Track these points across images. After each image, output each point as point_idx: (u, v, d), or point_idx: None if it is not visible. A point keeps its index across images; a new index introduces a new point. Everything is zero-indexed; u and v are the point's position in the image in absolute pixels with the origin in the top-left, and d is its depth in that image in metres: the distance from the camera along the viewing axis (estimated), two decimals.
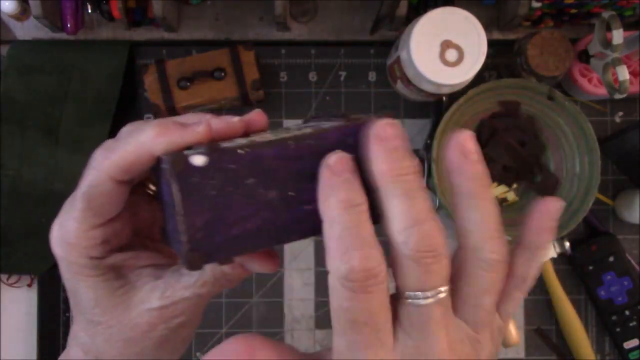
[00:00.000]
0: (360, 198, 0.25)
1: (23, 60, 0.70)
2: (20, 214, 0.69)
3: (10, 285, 0.72)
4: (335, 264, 0.24)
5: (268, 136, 0.28)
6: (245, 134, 0.30)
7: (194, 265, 0.26)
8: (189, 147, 0.28)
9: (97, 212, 0.29)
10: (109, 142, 0.29)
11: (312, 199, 0.27)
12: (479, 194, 0.26)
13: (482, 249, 0.26)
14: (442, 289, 0.25)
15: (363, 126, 0.27)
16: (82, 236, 0.29)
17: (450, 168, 0.26)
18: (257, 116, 0.31)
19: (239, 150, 0.26)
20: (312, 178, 0.27)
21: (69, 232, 0.29)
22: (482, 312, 0.27)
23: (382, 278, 0.24)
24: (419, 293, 0.25)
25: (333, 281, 0.24)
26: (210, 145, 0.26)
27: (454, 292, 0.26)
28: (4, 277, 0.72)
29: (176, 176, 0.25)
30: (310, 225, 0.27)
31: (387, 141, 0.25)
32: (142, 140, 0.28)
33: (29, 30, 0.72)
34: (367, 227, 0.25)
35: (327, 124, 0.28)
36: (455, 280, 0.26)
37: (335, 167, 0.25)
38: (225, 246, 0.26)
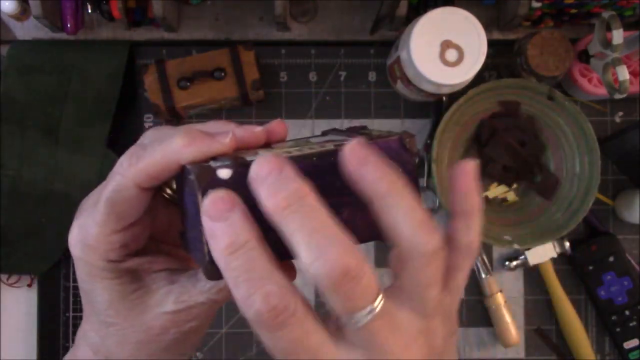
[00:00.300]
0: (246, 235, 0.24)
1: (23, 60, 0.70)
2: (20, 214, 0.69)
3: (10, 285, 0.72)
4: (244, 310, 0.24)
5: (290, 149, 0.29)
6: (267, 143, 0.31)
7: (214, 275, 0.26)
8: (214, 158, 0.29)
9: (120, 217, 0.29)
10: (135, 149, 0.30)
11: (335, 212, 0.27)
12: (391, 191, 0.25)
13: (415, 243, 0.25)
14: (375, 303, 0.24)
15: (384, 144, 0.27)
16: (102, 240, 0.30)
17: (356, 181, 0.26)
18: (278, 126, 0.31)
19: None
20: (330, 193, 0.27)
21: (90, 235, 0.30)
22: (430, 302, 0.26)
23: (294, 308, 0.24)
24: (353, 315, 0.24)
25: (252, 325, 0.24)
26: (236, 159, 0.27)
27: (398, 288, 0.26)
28: (4, 277, 0.72)
29: (202, 188, 0.26)
30: None
31: (265, 178, 0.24)
32: (170, 150, 0.28)
33: (29, 30, 0.72)
34: (262, 263, 0.24)
35: (342, 137, 0.29)
36: (398, 277, 0.26)
37: (210, 211, 0.24)
38: None
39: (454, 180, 0.28)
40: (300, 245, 0.24)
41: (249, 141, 0.30)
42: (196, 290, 0.30)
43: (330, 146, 0.28)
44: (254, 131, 0.30)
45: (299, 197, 0.24)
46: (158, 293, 0.31)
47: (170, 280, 0.31)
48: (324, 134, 0.33)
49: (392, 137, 0.29)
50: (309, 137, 0.33)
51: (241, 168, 0.26)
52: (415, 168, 0.29)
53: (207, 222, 0.24)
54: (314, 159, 0.27)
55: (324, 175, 0.27)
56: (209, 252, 0.26)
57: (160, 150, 0.28)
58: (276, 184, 0.24)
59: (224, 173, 0.26)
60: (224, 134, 0.29)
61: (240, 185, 0.26)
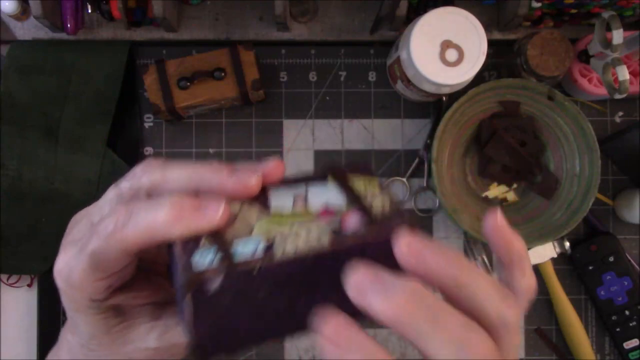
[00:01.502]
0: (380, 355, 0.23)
1: (23, 60, 0.70)
2: (20, 214, 0.69)
3: (10, 285, 0.72)
4: None
5: (282, 227, 0.28)
6: (263, 187, 0.30)
7: (199, 357, 0.27)
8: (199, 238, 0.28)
9: (103, 270, 0.29)
10: (120, 210, 0.28)
11: (320, 304, 0.27)
12: (465, 278, 0.25)
13: (505, 319, 0.25)
14: None
15: (384, 239, 0.27)
16: (86, 284, 0.29)
17: (422, 275, 0.25)
18: (275, 169, 0.30)
19: (254, 269, 0.26)
20: (322, 287, 0.27)
21: (74, 277, 0.29)
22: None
23: None
24: None
25: None
26: (226, 260, 0.26)
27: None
28: (4, 277, 0.72)
29: (189, 293, 0.26)
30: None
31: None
32: (155, 224, 0.27)
33: (29, 30, 0.72)
34: None
35: (349, 232, 0.28)
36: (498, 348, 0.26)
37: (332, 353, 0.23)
38: (230, 345, 0.28)
39: (490, 237, 0.28)
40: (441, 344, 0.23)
41: (242, 196, 0.29)
42: (179, 330, 0.30)
43: (325, 241, 0.27)
44: (249, 186, 0.29)
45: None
46: (141, 328, 0.31)
47: (154, 315, 0.31)
48: (326, 169, 0.32)
49: (393, 229, 0.28)
50: (307, 181, 0.32)
51: (232, 277, 0.26)
52: None
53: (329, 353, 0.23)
54: (309, 260, 0.27)
55: (316, 273, 0.27)
56: (193, 341, 0.26)
57: (146, 222, 0.27)
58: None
59: (213, 283, 0.26)
60: (215, 208, 0.27)
61: (228, 292, 0.26)
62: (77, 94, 0.70)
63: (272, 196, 0.30)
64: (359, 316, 0.28)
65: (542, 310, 0.73)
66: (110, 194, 0.30)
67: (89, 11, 0.71)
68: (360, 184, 0.31)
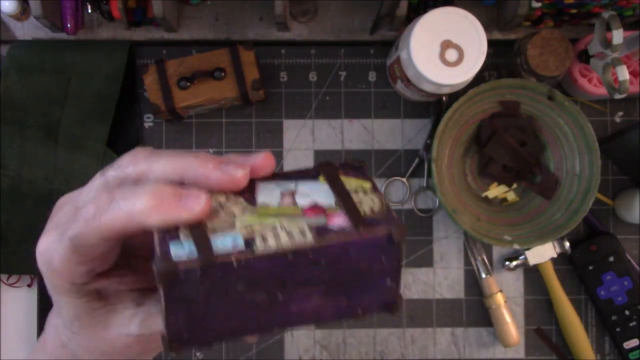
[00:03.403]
0: None
1: (23, 60, 0.70)
2: (20, 214, 0.69)
3: (10, 285, 0.72)
4: None
5: (267, 219, 0.27)
6: (250, 181, 0.29)
7: (172, 350, 0.27)
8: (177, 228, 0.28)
9: (83, 255, 0.29)
10: (102, 196, 0.28)
11: (301, 301, 0.27)
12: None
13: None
14: None
15: (371, 239, 0.26)
16: (66, 269, 0.29)
17: None
18: (264, 162, 0.30)
19: (233, 264, 0.26)
20: (303, 284, 0.27)
21: (54, 262, 0.29)
22: None
23: None
24: None
25: None
26: (203, 253, 0.26)
27: None
28: (4, 277, 0.72)
29: (164, 283, 0.25)
30: (295, 320, 0.28)
31: None
32: (134, 212, 0.27)
33: (29, 30, 0.72)
34: None
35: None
36: None
37: None
38: (206, 337, 0.27)
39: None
40: None
41: (228, 189, 0.29)
42: (161, 317, 0.30)
43: (308, 236, 0.27)
44: (235, 179, 0.28)
45: None
46: (123, 314, 0.31)
47: (137, 302, 0.31)
48: (318, 167, 0.31)
49: (381, 232, 0.27)
50: (298, 177, 0.31)
51: (209, 268, 0.25)
52: (401, 258, 0.28)
53: None
54: (289, 256, 0.26)
55: (297, 269, 0.27)
56: (168, 333, 0.26)
57: (126, 210, 0.27)
58: None
59: (190, 273, 0.25)
60: (196, 199, 0.27)
61: (206, 282, 0.26)
62: (77, 94, 0.69)
63: (260, 191, 0.30)
64: (344, 315, 0.28)
65: (542, 310, 0.73)
66: (97, 181, 0.30)
67: (89, 11, 0.71)
68: (352, 184, 0.30)
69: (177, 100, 0.67)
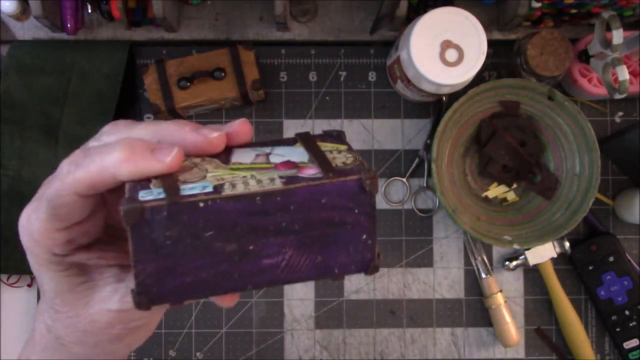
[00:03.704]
0: None
1: (23, 60, 0.70)
2: (20, 214, 0.69)
3: (10, 285, 0.72)
4: None
5: (240, 172, 0.27)
6: (227, 146, 0.30)
7: (141, 306, 0.26)
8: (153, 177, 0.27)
9: (61, 218, 0.29)
10: (77, 154, 0.29)
11: (273, 253, 0.26)
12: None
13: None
14: None
15: (340, 184, 0.26)
16: (45, 236, 0.29)
17: None
18: (240, 128, 0.30)
19: (200, 204, 0.25)
20: (274, 233, 0.26)
21: (34, 229, 0.30)
22: None
23: None
24: None
25: None
26: (171, 195, 0.25)
27: None
28: (4, 277, 0.72)
29: (130, 226, 0.25)
30: (268, 277, 0.27)
31: None
32: (107, 164, 0.27)
33: (29, 30, 0.72)
34: None
35: (306, 174, 0.27)
36: None
37: None
38: (177, 292, 0.26)
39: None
40: None
41: (204, 150, 0.29)
42: None
43: (278, 183, 0.26)
44: (210, 139, 0.29)
45: None
46: (104, 290, 0.30)
47: (118, 278, 0.31)
48: (297, 135, 0.31)
49: (351, 177, 0.27)
50: (275, 144, 0.31)
51: (175, 207, 0.25)
52: (374, 209, 0.27)
53: None
54: (257, 199, 0.26)
55: (267, 215, 0.26)
56: (137, 284, 0.26)
57: (98, 162, 0.27)
58: None
59: (156, 213, 0.25)
60: (168, 151, 0.27)
61: (173, 225, 0.25)
62: (77, 93, 0.70)
63: (235, 154, 0.30)
64: (320, 274, 0.28)
65: (542, 310, 0.73)
66: (77, 151, 0.30)
67: (89, 11, 0.71)
68: (328, 147, 0.30)
69: (177, 100, 0.67)
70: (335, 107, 0.73)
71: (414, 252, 0.73)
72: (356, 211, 0.27)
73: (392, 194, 0.73)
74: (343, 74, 0.74)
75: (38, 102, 0.69)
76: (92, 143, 0.30)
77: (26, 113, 0.69)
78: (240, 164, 0.28)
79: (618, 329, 0.71)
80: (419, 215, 0.73)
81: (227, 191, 0.26)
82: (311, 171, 0.27)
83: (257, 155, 0.29)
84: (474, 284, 0.73)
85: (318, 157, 0.28)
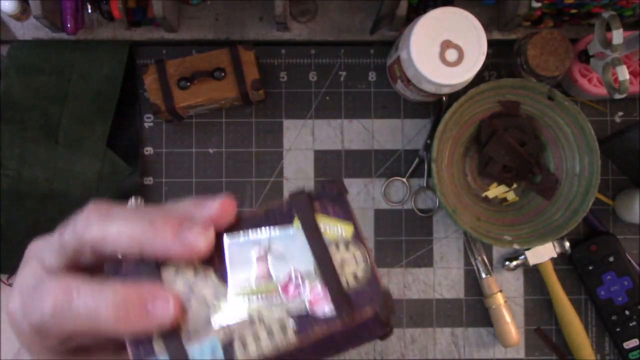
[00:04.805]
0: None
1: (23, 60, 0.70)
2: (20, 214, 0.69)
3: (11, 285, 0.72)
4: None
5: (238, 295, 0.26)
6: (217, 234, 0.27)
7: None
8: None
9: (53, 339, 0.27)
10: (60, 293, 0.26)
11: None
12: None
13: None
14: None
15: (357, 325, 0.25)
16: (35, 340, 0.28)
17: None
18: (222, 210, 0.27)
19: None
20: None
21: (22, 330, 0.28)
22: None
23: None
24: None
25: None
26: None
27: None
28: (4, 277, 0.72)
29: None
30: None
31: None
32: (99, 320, 0.25)
33: (29, 30, 0.72)
34: None
35: (317, 327, 0.25)
36: None
37: None
38: None
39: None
40: None
41: (191, 259, 0.26)
42: None
43: (290, 333, 0.25)
44: (197, 249, 0.26)
45: None
46: None
47: (116, 353, 0.30)
48: (291, 202, 0.28)
49: (367, 314, 0.25)
50: (269, 222, 0.28)
51: None
52: (389, 322, 0.26)
53: None
54: None
55: None
56: None
57: (88, 316, 0.25)
58: None
59: None
60: (165, 303, 0.25)
61: None
62: (77, 94, 0.70)
63: (229, 255, 0.27)
64: None
65: (542, 310, 0.73)
66: (55, 240, 0.28)
67: (89, 11, 0.71)
68: (331, 228, 0.27)
69: (177, 100, 0.67)
70: (335, 107, 0.73)
71: (414, 252, 0.73)
72: (370, 333, 0.27)
73: (392, 194, 0.73)
74: (343, 74, 0.74)
75: (38, 102, 0.69)
76: (69, 235, 0.28)
77: (26, 113, 0.69)
78: (241, 287, 0.26)
79: (618, 329, 0.71)
80: (419, 215, 0.73)
81: (239, 353, 0.25)
82: (322, 304, 0.26)
83: (257, 260, 0.27)
84: (474, 284, 0.73)
85: (324, 267, 0.26)
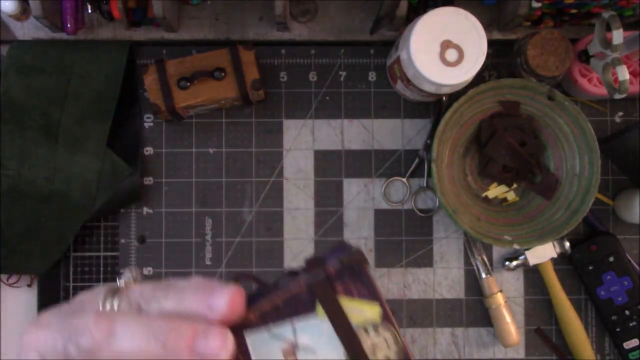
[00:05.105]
0: None
1: (23, 60, 0.70)
2: (20, 214, 0.69)
3: (10, 285, 0.72)
4: None
5: None
6: (233, 330, 0.26)
7: None
8: None
9: None
10: None
11: None
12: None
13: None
14: None
15: None
16: None
17: None
18: (232, 308, 0.25)
19: None
20: None
21: None
22: None
23: None
24: None
25: None
26: None
27: None
28: (4, 277, 0.72)
29: None
30: None
31: None
32: None
33: (29, 30, 0.72)
34: None
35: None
36: None
37: None
38: None
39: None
40: None
41: None
42: None
43: None
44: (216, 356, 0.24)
45: None
46: None
47: None
48: (311, 284, 0.26)
49: None
50: (291, 311, 0.26)
51: None
52: None
53: None
54: None
55: None
56: None
57: None
58: None
59: None
60: None
61: None
62: (77, 94, 0.70)
63: (254, 353, 0.25)
64: None
65: (542, 310, 0.73)
66: (71, 344, 0.26)
67: (89, 11, 0.71)
68: (357, 314, 0.26)
69: (177, 100, 0.67)
70: (335, 107, 0.73)
71: (414, 252, 0.73)
72: None
73: (392, 194, 0.73)
74: (343, 74, 0.74)
75: (38, 102, 0.69)
76: (83, 340, 0.25)
77: (26, 113, 0.69)
78: None
79: (618, 329, 0.71)
80: (419, 215, 0.73)
81: None
82: None
83: (284, 354, 0.25)
84: (474, 284, 0.73)
85: (354, 354, 0.25)
